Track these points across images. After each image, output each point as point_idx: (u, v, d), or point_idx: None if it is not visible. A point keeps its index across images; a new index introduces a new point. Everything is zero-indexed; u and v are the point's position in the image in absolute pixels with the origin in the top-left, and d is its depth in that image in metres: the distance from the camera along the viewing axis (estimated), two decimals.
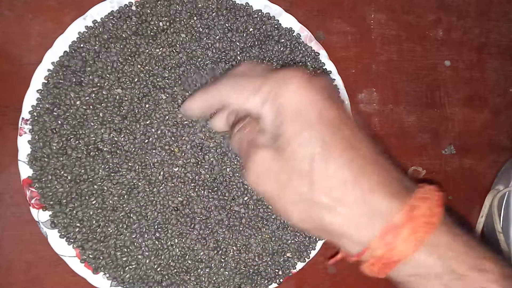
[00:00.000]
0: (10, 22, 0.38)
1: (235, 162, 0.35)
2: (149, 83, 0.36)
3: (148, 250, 0.35)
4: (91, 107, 0.35)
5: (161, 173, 0.35)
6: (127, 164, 0.35)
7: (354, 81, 0.45)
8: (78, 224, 0.34)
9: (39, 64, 0.35)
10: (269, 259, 0.37)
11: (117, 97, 0.35)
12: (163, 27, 0.37)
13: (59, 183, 0.34)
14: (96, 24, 0.36)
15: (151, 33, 0.37)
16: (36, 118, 0.35)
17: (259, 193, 0.25)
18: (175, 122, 0.35)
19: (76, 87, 0.35)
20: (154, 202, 0.35)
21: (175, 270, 0.35)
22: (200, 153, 0.35)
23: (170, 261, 0.35)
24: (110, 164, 0.34)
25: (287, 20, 0.40)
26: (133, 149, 0.35)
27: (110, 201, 0.34)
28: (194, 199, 0.35)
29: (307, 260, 0.38)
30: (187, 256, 0.35)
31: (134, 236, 0.35)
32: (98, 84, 0.35)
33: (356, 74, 0.45)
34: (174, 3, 0.37)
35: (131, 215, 0.35)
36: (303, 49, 0.40)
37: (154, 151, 0.35)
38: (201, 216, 0.35)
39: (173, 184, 0.35)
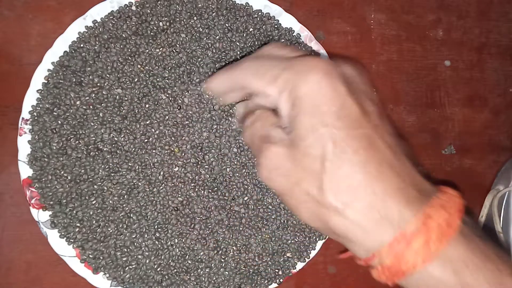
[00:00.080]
0: (10, 22, 0.38)
1: (235, 162, 0.36)
2: (149, 83, 0.36)
3: (148, 250, 0.35)
4: (91, 107, 0.35)
5: (161, 173, 0.35)
6: (127, 164, 0.35)
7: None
8: (78, 224, 0.34)
9: (39, 64, 0.35)
10: (269, 259, 0.37)
11: (117, 97, 0.35)
12: (163, 27, 0.37)
13: (59, 183, 0.34)
14: (96, 24, 0.36)
15: (151, 33, 0.37)
16: (36, 118, 0.35)
17: (271, 188, 0.24)
18: (175, 122, 0.35)
19: (76, 87, 0.35)
20: (154, 202, 0.35)
21: (175, 270, 0.35)
22: (200, 153, 0.35)
23: (170, 261, 0.35)
24: (110, 164, 0.34)
25: (287, 20, 0.40)
26: (133, 149, 0.35)
27: (110, 201, 0.34)
28: (194, 199, 0.35)
29: (307, 260, 0.38)
30: (187, 256, 0.35)
31: (134, 236, 0.35)
32: (98, 84, 0.35)
33: None
34: (174, 3, 0.37)
35: (131, 215, 0.35)
36: (303, 49, 0.40)
37: (154, 151, 0.35)
38: (201, 216, 0.35)
39: (173, 184, 0.35)
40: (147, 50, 0.36)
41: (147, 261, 0.35)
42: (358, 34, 0.46)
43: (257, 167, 0.25)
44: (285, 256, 0.38)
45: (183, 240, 0.35)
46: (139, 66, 0.36)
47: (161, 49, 0.36)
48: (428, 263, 0.20)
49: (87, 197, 0.34)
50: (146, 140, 0.35)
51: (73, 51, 0.36)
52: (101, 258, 0.34)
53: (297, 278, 0.41)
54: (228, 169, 0.36)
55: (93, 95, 0.35)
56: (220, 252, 0.36)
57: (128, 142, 0.35)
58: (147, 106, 0.35)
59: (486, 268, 0.20)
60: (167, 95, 0.35)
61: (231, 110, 0.36)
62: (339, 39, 0.45)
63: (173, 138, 0.35)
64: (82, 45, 0.36)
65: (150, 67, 0.36)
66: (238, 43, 0.38)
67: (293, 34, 0.40)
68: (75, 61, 0.35)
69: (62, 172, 0.34)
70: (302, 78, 0.22)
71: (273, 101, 0.24)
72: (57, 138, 0.34)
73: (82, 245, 0.34)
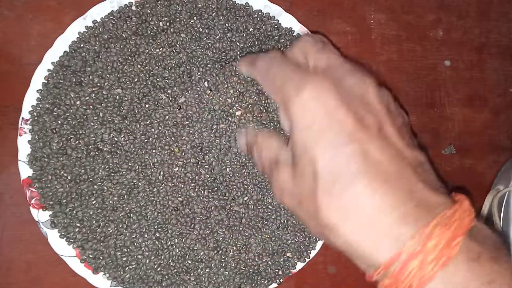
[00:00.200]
0: (10, 22, 0.38)
1: (235, 162, 0.35)
2: (149, 83, 0.36)
3: (148, 250, 0.35)
4: (91, 107, 0.35)
5: (161, 173, 0.35)
6: (127, 164, 0.35)
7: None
8: (78, 224, 0.34)
9: (39, 64, 0.35)
10: (269, 259, 0.37)
11: (117, 97, 0.35)
12: (163, 27, 0.37)
13: (59, 183, 0.34)
14: (96, 24, 0.36)
15: (151, 33, 0.37)
16: (36, 118, 0.35)
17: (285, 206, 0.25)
18: (175, 122, 0.35)
19: (76, 87, 0.35)
20: (154, 202, 0.35)
21: (175, 270, 0.35)
22: (200, 153, 0.35)
23: (170, 261, 0.35)
24: (110, 164, 0.34)
25: (287, 20, 0.40)
26: (133, 149, 0.35)
27: (110, 201, 0.34)
28: (194, 199, 0.35)
29: (307, 260, 0.38)
30: (187, 256, 0.35)
31: (134, 236, 0.35)
32: (98, 84, 0.35)
33: None
34: (174, 3, 0.37)
35: (131, 215, 0.35)
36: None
37: (154, 151, 0.35)
38: (201, 216, 0.35)
39: (173, 184, 0.35)
40: (147, 50, 0.36)
41: (147, 261, 0.35)
42: (358, 34, 0.46)
43: (271, 188, 0.25)
44: (285, 256, 0.38)
45: (183, 240, 0.35)
46: (139, 66, 0.36)
47: (161, 49, 0.36)
48: (423, 285, 0.19)
49: (87, 197, 0.34)
50: (146, 140, 0.35)
51: (73, 51, 0.36)
52: (101, 258, 0.34)
53: (297, 278, 0.41)
54: (228, 169, 0.36)
55: (93, 95, 0.35)
56: (220, 252, 0.36)
57: (128, 142, 0.35)
58: (147, 106, 0.35)
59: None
60: (167, 95, 0.35)
61: (231, 110, 0.36)
62: (339, 39, 0.45)
63: (173, 138, 0.35)
64: (82, 45, 0.36)
65: (150, 67, 0.36)
66: (238, 43, 0.38)
67: (293, 34, 0.40)
68: (75, 61, 0.35)
69: (62, 172, 0.34)
70: (293, 97, 0.22)
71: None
72: (57, 138, 0.34)
73: (82, 245, 0.34)
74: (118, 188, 0.34)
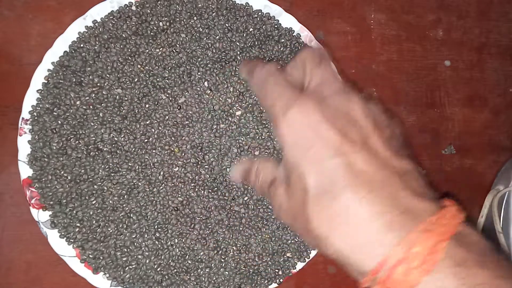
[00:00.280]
0: (10, 22, 0.38)
1: (235, 162, 0.35)
2: (149, 83, 0.36)
3: (148, 250, 0.35)
4: (91, 107, 0.35)
5: (161, 173, 0.35)
6: (127, 164, 0.35)
7: (354, 81, 0.45)
8: (78, 224, 0.34)
9: (39, 64, 0.35)
10: (269, 259, 0.37)
11: (117, 97, 0.35)
12: (163, 27, 0.37)
13: (59, 183, 0.34)
14: (96, 24, 0.36)
15: (151, 33, 0.37)
16: (36, 118, 0.35)
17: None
18: (175, 122, 0.35)
19: (76, 87, 0.35)
20: (154, 202, 0.35)
21: (175, 270, 0.35)
22: (200, 153, 0.35)
23: (170, 261, 0.35)
24: (110, 164, 0.34)
25: (287, 20, 0.40)
26: (133, 149, 0.35)
27: (110, 201, 0.34)
28: (194, 199, 0.35)
29: (307, 260, 0.38)
30: (187, 256, 0.35)
31: (134, 236, 0.35)
32: (98, 84, 0.35)
33: (356, 74, 0.45)
34: (174, 3, 0.37)
35: (131, 215, 0.35)
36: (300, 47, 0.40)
37: (154, 151, 0.35)
38: (201, 216, 0.35)
39: (173, 184, 0.35)
40: (147, 50, 0.36)
41: (147, 261, 0.35)
42: (358, 34, 0.46)
43: (272, 208, 0.26)
44: (285, 256, 0.38)
45: (183, 240, 0.35)
46: (139, 66, 0.36)
47: (161, 49, 0.36)
48: None
49: (87, 197, 0.34)
50: (146, 140, 0.35)
51: (73, 51, 0.36)
52: (101, 258, 0.34)
53: (297, 278, 0.41)
54: (228, 169, 0.36)
55: (93, 95, 0.35)
56: (220, 252, 0.36)
57: (128, 142, 0.35)
58: (147, 106, 0.35)
59: None
60: (167, 95, 0.35)
61: (231, 110, 0.36)
62: (339, 39, 0.45)
63: (173, 138, 0.35)
64: (82, 45, 0.36)
65: (150, 67, 0.36)
66: (238, 43, 0.38)
67: (293, 34, 0.40)
68: (75, 61, 0.35)
69: (62, 172, 0.34)
70: (279, 118, 0.23)
71: None
72: (57, 138, 0.34)
73: (82, 245, 0.34)
74: (118, 188, 0.34)
